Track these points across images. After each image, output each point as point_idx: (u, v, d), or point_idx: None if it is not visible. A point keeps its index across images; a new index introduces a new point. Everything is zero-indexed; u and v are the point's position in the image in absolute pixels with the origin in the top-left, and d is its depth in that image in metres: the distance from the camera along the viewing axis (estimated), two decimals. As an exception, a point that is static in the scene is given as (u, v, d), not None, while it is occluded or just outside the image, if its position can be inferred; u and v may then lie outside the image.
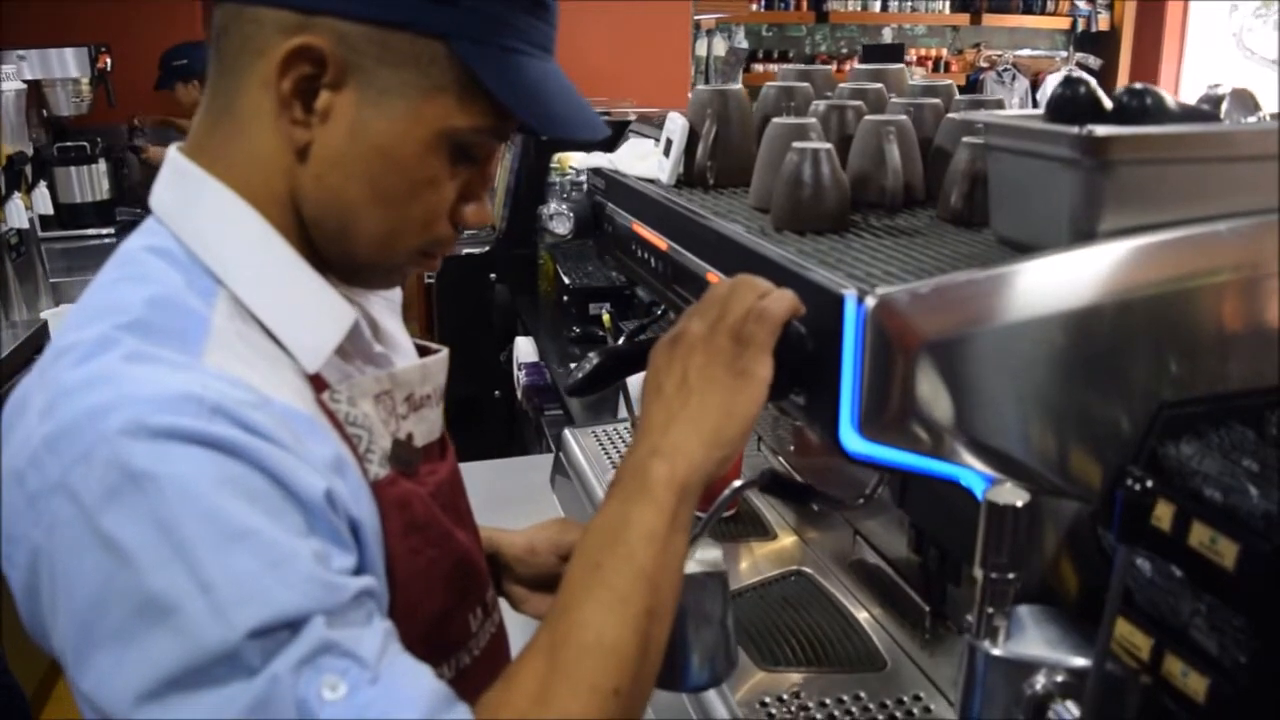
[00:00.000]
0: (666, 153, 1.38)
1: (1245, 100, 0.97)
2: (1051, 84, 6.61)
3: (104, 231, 4.29)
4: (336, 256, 0.81)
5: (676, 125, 1.35)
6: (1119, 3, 6.69)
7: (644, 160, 1.46)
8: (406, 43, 0.74)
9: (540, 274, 3.41)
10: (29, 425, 0.67)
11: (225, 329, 0.72)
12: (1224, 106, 0.95)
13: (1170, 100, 0.86)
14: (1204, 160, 0.84)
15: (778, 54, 6.46)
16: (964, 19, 6.67)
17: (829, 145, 1.06)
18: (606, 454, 1.67)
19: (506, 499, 1.81)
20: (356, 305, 0.83)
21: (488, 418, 3.36)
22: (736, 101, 1.33)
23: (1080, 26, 6.72)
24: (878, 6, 6.52)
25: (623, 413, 1.97)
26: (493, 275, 3.40)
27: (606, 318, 2.48)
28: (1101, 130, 0.81)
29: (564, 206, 1.48)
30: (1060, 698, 0.81)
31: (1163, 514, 0.80)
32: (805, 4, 6.36)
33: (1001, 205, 0.95)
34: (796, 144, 1.07)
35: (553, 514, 1.71)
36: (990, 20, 6.66)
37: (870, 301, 0.79)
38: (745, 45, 5.93)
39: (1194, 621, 0.81)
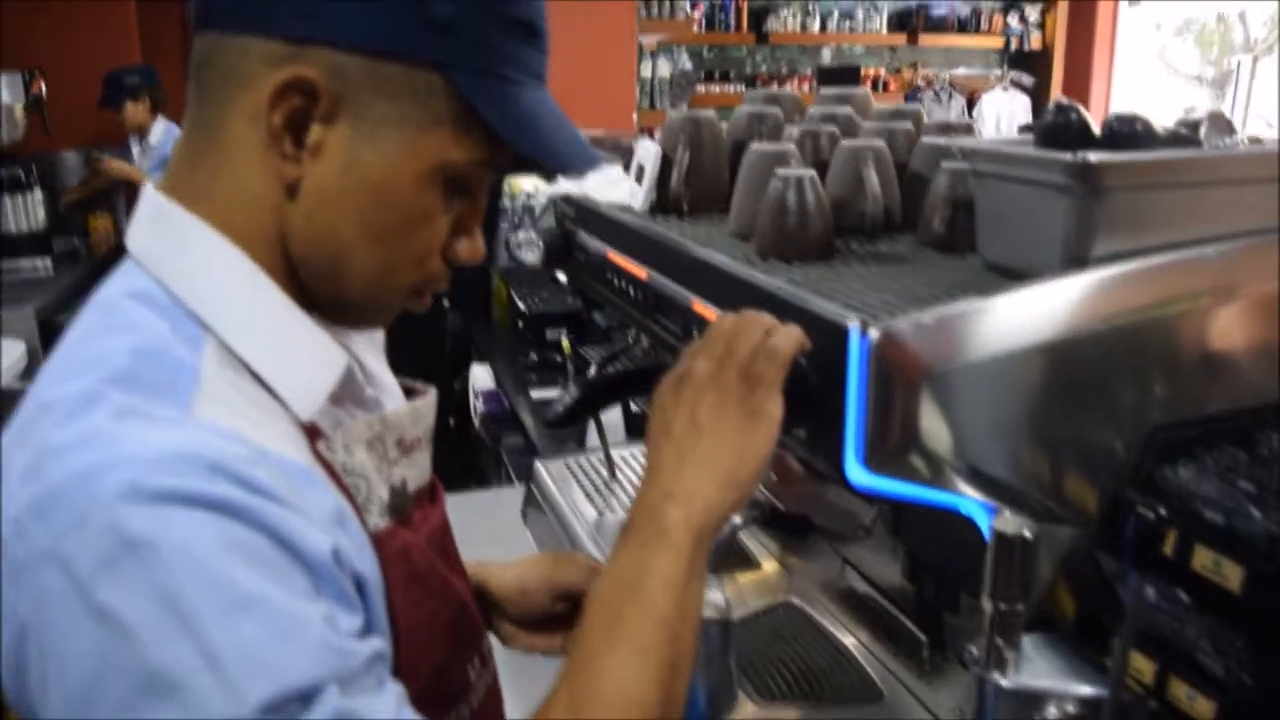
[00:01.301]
0: (639, 179, 1.36)
1: (1221, 124, 0.98)
2: (987, 102, 6.78)
3: (40, 262, 4.17)
4: (325, 296, 0.77)
5: (649, 151, 1.34)
6: (1050, 22, 6.86)
7: (614, 186, 1.45)
8: (402, 74, 0.71)
9: (494, 299, 3.38)
10: (10, 488, 0.62)
11: (216, 378, 0.69)
12: (1202, 130, 0.96)
13: (1157, 126, 0.87)
14: (1194, 185, 0.85)
15: (719, 74, 6.51)
16: (901, 39, 6.79)
17: (813, 172, 1.06)
18: (580, 485, 1.64)
19: (477, 535, 1.76)
20: (342, 346, 0.80)
21: (442, 447, 3.30)
22: (709, 127, 1.33)
23: (1013, 46, 6.87)
24: (816, 27, 6.61)
25: (592, 441, 1.94)
26: (445, 301, 3.35)
27: (566, 344, 2.46)
28: (1095, 156, 0.82)
29: (533, 234, 1.46)
30: (1073, 727, 0.81)
31: (1166, 538, 0.80)
32: (745, 25, 6.43)
33: (990, 231, 0.95)
34: (780, 171, 1.06)
35: (526, 548, 1.68)
36: (926, 40, 6.79)
37: (874, 333, 0.78)
38: (689, 66, 5.96)
39: (1199, 644, 0.81)
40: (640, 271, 1.20)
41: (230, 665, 0.57)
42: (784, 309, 0.87)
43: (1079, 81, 6.85)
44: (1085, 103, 6.92)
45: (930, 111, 6.42)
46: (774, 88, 6.49)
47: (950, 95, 6.71)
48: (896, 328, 0.78)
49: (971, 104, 6.81)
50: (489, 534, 1.76)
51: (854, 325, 0.79)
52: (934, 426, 0.79)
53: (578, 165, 0.79)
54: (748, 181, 1.16)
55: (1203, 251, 0.85)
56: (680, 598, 0.72)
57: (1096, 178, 0.82)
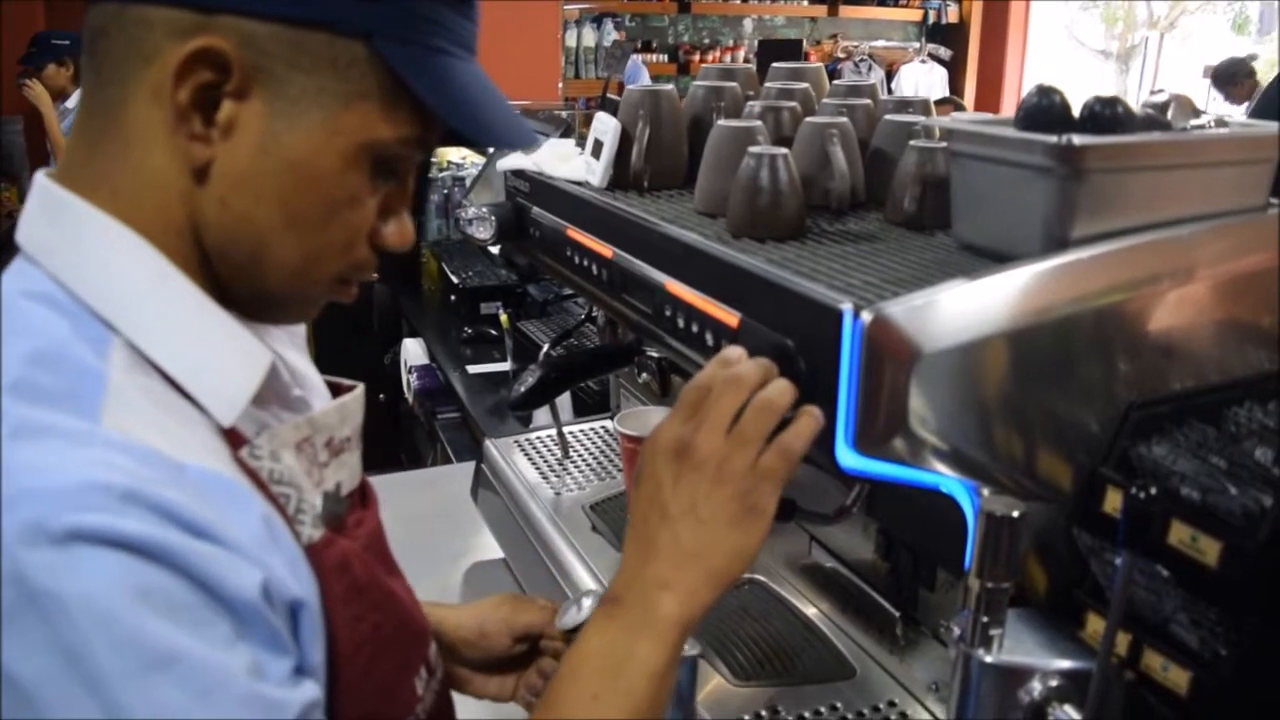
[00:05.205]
0: (595, 154, 1.34)
1: (1186, 106, 1.00)
2: (906, 74, 6.87)
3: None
4: (244, 290, 0.71)
5: (608, 126, 1.31)
6: (966, -4, 6.98)
7: (567, 161, 1.42)
8: (323, 43, 0.65)
9: (423, 273, 3.32)
10: None
11: (124, 384, 0.62)
12: (1169, 113, 0.97)
13: (1135, 109, 0.88)
14: (1173, 167, 0.87)
15: (641, 44, 6.47)
16: (821, 10, 6.83)
17: (786, 151, 1.05)
18: (534, 464, 1.62)
19: (424, 515, 1.74)
20: (264, 343, 0.74)
21: (373, 422, 3.24)
22: (668, 101, 1.31)
23: (931, 19, 6.97)
24: (738, -3, 6.62)
25: (539, 419, 1.92)
26: (373, 274, 3.27)
27: (505, 319, 2.42)
28: (1080, 139, 0.82)
29: (484, 209, 1.43)
30: (1058, 702, 0.82)
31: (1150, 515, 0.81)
32: (668, -6, 6.40)
33: (966, 211, 0.96)
34: (753, 149, 1.05)
35: (476, 528, 1.66)
36: (847, 12, 6.85)
37: (867, 316, 0.77)
38: (614, 35, 5.91)
39: (1175, 617, 0.83)
40: (605, 250, 1.18)
41: None
42: (773, 291, 0.86)
43: (994, 55, 6.99)
44: (1000, 75, 7.08)
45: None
46: (696, 58, 6.49)
47: (870, 67, 6.78)
48: (890, 310, 0.77)
49: (891, 75, 6.90)
50: (435, 513, 1.73)
51: (847, 308, 0.78)
52: (925, 409, 0.79)
53: (514, 142, 0.76)
54: (715, 158, 1.15)
55: (1184, 230, 0.87)
56: (658, 689, 0.74)
57: (1080, 160, 0.83)
